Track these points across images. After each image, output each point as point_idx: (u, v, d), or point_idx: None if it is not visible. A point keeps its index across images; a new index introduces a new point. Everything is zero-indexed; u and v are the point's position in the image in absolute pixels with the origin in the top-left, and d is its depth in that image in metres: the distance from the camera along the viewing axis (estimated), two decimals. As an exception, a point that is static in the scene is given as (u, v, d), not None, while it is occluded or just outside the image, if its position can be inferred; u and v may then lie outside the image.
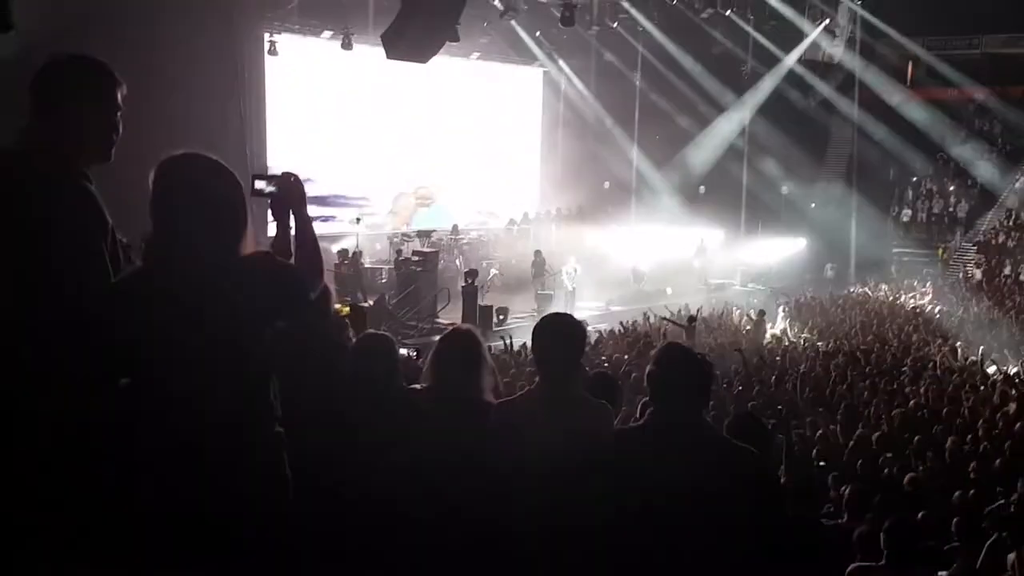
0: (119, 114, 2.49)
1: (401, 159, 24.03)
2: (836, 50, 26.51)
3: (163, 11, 15.26)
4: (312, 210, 2.76)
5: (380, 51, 15.04)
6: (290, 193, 2.76)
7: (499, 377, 4.26)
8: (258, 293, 2.49)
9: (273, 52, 20.43)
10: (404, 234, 22.25)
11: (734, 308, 19.14)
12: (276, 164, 20.28)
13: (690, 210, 26.06)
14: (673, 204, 26.25)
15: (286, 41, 20.72)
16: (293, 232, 2.73)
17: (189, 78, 16.43)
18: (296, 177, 2.80)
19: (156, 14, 15.17)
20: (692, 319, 14.75)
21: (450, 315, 17.26)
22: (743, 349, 13.04)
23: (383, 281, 19.85)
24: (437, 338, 3.48)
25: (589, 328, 16.22)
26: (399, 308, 17.14)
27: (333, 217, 22.14)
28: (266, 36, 20.33)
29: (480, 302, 17.68)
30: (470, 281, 17.65)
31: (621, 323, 15.53)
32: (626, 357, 11.76)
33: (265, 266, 2.56)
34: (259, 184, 2.77)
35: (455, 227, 24.12)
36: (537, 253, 20.93)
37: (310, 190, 2.83)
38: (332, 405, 3.25)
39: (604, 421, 3.18)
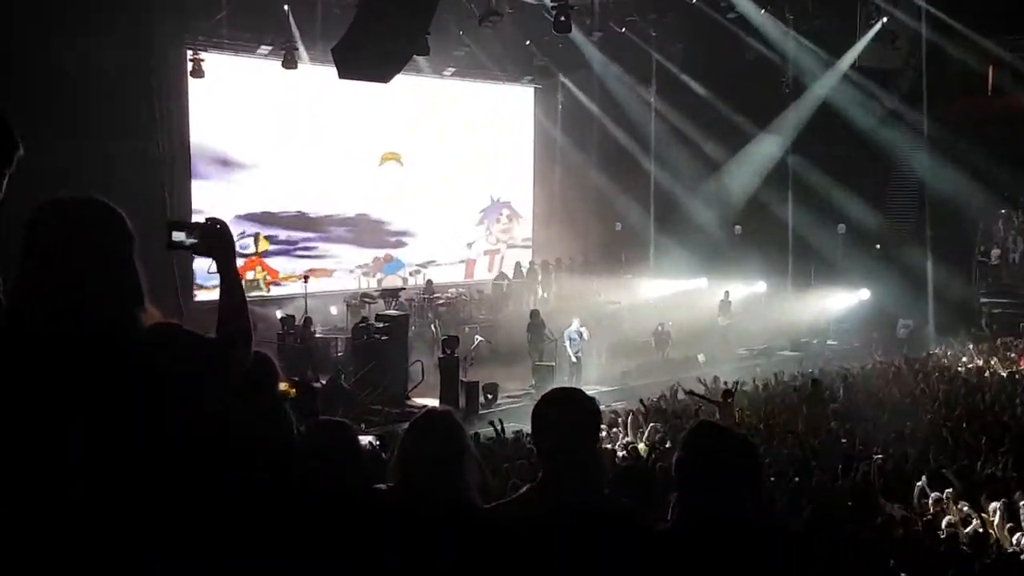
0: (7, 175, 2.61)
1: (361, 200, 24.27)
2: (897, 54, 26.96)
3: (63, 31, 15.46)
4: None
5: (331, 69, 15.34)
6: (214, 245, 2.82)
7: (488, 472, 4.24)
8: (167, 374, 2.50)
9: (197, 73, 20.65)
10: (365, 294, 22.37)
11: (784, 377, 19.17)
12: (204, 208, 20.43)
13: (723, 257, 26.22)
14: (702, 249, 26.51)
15: (213, 60, 21.00)
16: (218, 293, 2.79)
17: (94, 108, 16.59)
18: (223, 224, 2.87)
19: (55, 34, 15.38)
20: (728, 393, 14.80)
21: (424, 395, 17.35)
22: (798, 430, 12.96)
23: (339, 354, 19.87)
24: (408, 425, 3.46)
25: (602, 407, 16.32)
26: (360, 388, 17.16)
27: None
28: (188, 54, 20.57)
29: (462, 377, 17.79)
30: (449, 352, 17.72)
31: (642, 401, 15.52)
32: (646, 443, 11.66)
33: (175, 339, 2.57)
34: (177, 235, 2.82)
35: (429, 284, 24.25)
36: (534, 315, 21.01)
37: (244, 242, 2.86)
38: (276, 515, 3.20)
39: (629, 528, 3.14)
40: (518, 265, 27.47)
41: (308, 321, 19.76)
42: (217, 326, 2.71)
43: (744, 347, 23.77)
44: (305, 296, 20.68)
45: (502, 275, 26.91)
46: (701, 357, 22.15)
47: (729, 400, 14.69)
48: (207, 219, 2.88)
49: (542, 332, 20.67)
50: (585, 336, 20.67)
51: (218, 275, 2.80)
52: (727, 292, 25.57)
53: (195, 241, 2.82)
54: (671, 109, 27.28)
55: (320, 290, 22.07)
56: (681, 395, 16.08)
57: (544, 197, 28.74)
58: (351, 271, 24.28)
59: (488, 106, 27.03)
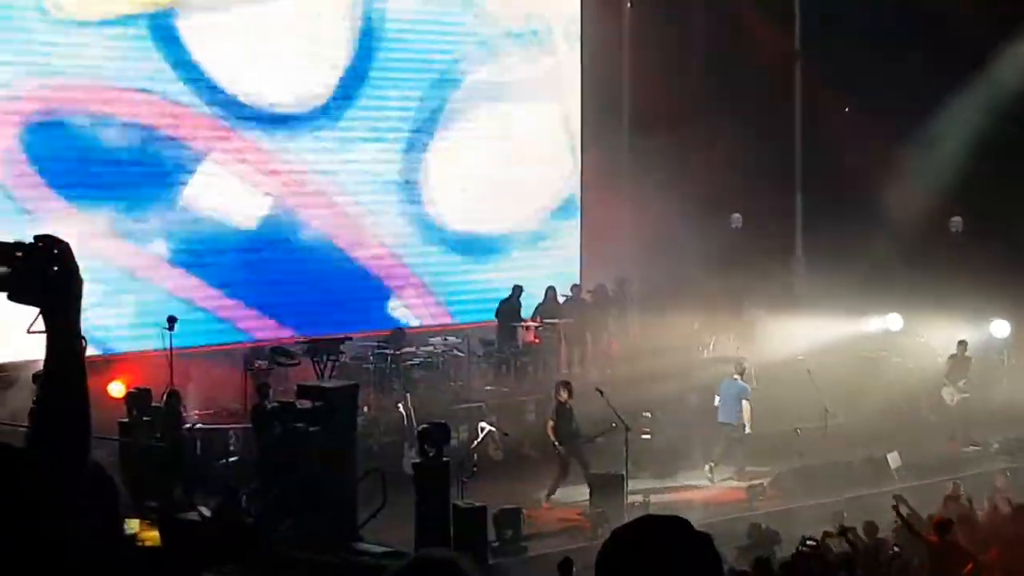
0: None
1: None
2: None
3: None
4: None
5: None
6: (40, 281, 2.97)
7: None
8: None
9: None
10: (279, 350, 22.43)
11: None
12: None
13: (931, 275, 25.97)
14: (890, 263, 26.58)
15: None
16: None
17: None
18: (62, 247, 3.01)
19: None
20: (945, 526, 14.76)
21: (387, 531, 17.34)
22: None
23: (232, 460, 19.84)
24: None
25: (724, 552, 16.21)
26: (272, 519, 17.02)
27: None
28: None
29: (457, 500, 17.77)
30: (432, 452, 17.67)
31: (806, 541, 15.31)
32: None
33: None
34: None
35: (399, 332, 24.47)
36: (562, 390, 20.78)
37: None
38: None
39: None
40: (550, 294, 27.25)
41: (175, 399, 19.55)
42: (32, 421, 2.87)
43: (974, 438, 23.67)
44: (169, 355, 20.47)
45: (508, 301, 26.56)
46: (894, 459, 21.93)
47: (947, 536, 14.60)
48: (36, 237, 3.00)
49: (572, 419, 20.62)
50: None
51: (44, 333, 2.96)
52: (963, 344, 25.34)
53: (2, 272, 2.98)
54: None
55: (195, 344, 21.93)
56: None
57: (598, 182, 28.85)
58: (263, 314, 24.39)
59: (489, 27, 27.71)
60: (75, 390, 2.92)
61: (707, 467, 21.73)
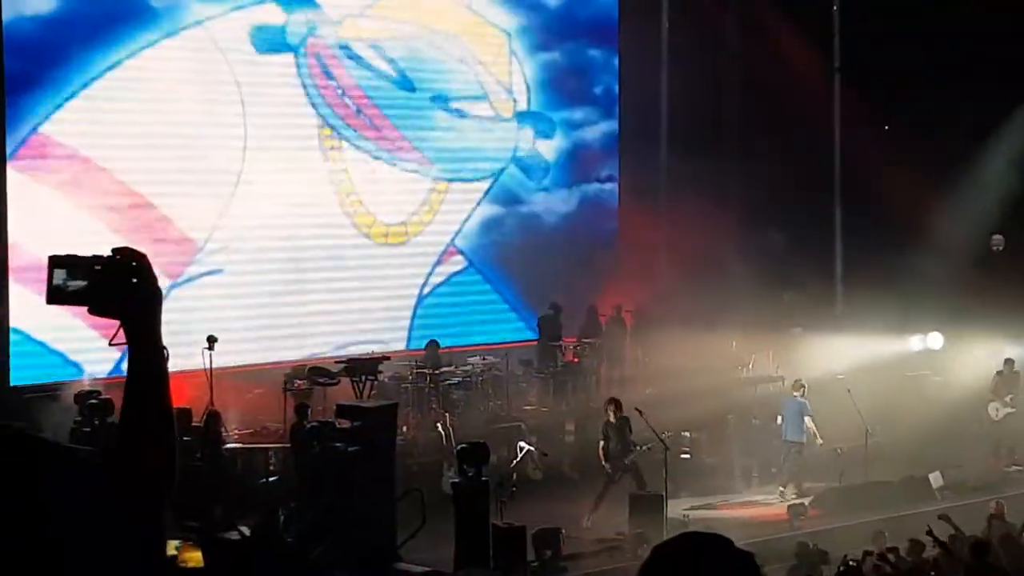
0: None
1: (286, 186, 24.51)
2: None
3: None
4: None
5: None
6: (120, 294, 3.00)
7: None
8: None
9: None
10: (317, 370, 22.36)
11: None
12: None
13: (971, 293, 25.84)
14: (931, 280, 26.35)
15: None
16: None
17: None
18: (140, 258, 3.04)
19: None
20: (982, 547, 14.52)
21: (425, 550, 17.20)
22: None
23: (272, 479, 19.82)
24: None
25: (768, 571, 16.12)
26: (311, 539, 16.89)
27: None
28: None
29: (496, 520, 17.60)
30: (471, 472, 17.60)
31: (848, 561, 15.25)
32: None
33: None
34: (59, 276, 3.00)
35: (433, 347, 24.37)
36: (612, 408, 20.69)
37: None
38: None
39: None
40: (590, 313, 27.27)
41: (214, 419, 19.53)
42: (119, 432, 2.91)
43: (1018, 457, 23.50)
44: (209, 374, 20.46)
45: (548, 320, 26.53)
46: (935, 478, 21.73)
47: (984, 559, 14.46)
48: (113, 250, 3.03)
49: (622, 435, 20.41)
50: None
51: (125, 346, 3.03)
52: (1010, 361, 25.18)
53: (82, 285, 3.00)
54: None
55: (232, 363, 21.96)
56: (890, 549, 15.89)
57: (636, 184, 28.85)
58: (308, 333, 24.43)
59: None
60: (158, 400, 2.98)
61: (780, 491, 21.90)
